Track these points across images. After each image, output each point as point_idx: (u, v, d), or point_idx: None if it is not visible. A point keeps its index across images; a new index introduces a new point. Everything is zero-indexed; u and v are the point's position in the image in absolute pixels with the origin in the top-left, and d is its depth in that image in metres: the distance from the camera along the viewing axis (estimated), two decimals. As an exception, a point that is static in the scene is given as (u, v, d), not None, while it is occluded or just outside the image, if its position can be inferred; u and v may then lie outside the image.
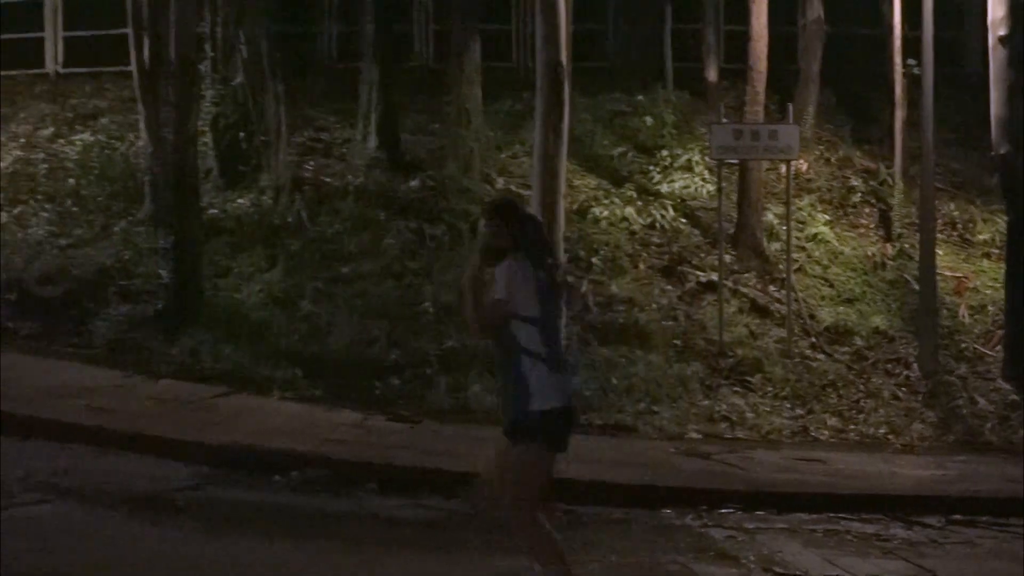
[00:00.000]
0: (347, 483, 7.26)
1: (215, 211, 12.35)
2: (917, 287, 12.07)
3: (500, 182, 13.17)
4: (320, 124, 14.51)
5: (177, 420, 8.25)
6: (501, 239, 4.86)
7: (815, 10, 15.07)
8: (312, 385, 9.42)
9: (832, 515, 7.58)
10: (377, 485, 7.30)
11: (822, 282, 12.68)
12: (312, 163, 13.57)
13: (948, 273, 12.80)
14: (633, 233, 12.80)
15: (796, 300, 11.92)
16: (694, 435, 9.65)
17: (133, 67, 13.46)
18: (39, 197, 13.48)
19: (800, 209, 13.28)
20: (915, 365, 11.35)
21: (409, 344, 10.24)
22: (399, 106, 14.04)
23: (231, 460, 7.49)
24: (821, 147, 15.14)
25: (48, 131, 15.19)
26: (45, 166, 14.17)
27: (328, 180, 13.17)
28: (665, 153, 14.20)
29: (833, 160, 15.05)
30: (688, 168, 13.98)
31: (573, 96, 10.63)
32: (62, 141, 14.81)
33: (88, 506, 6.56)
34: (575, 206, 12.77)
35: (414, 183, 13.07)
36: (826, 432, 10.16)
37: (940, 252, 12.52)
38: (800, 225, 13.05)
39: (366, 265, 11.51)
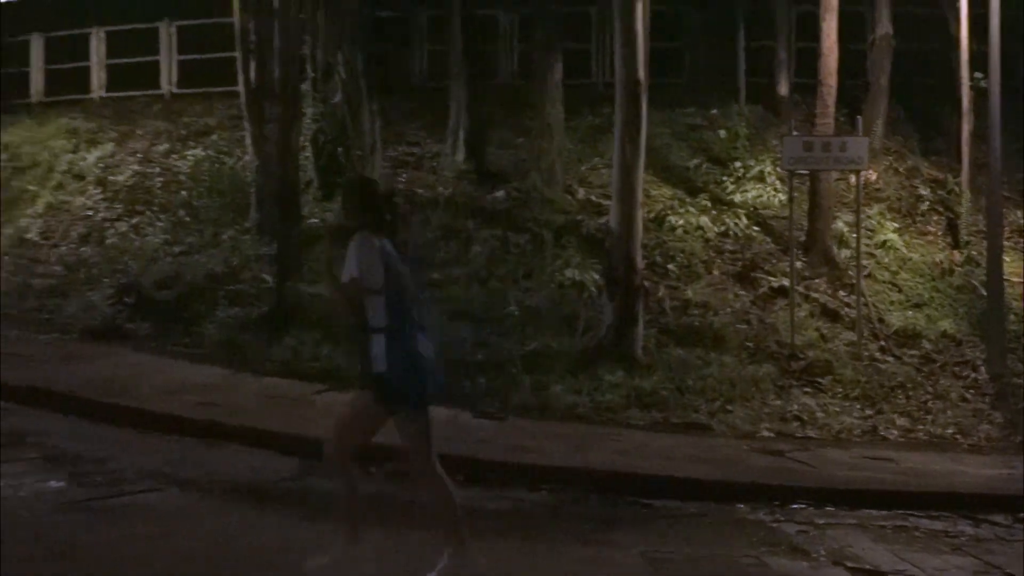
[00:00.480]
0: (438, 474, 7.27)
1: (315, 220, 12.47)
2: (984, 292, 11.80)
3: (580, 192, 13.14)
4: (412, 139, 14.60)
5: (279, 415, 8.33)
6: (350, 217, 5.14)
7: (884, 26, 14.82)
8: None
9: (901, 512, 7.39)
10: (464, 477, 7.29)
11: (891, 287, 12.43)
12: (404, 175, 13.66)
13: (1015, 279, 12.49)
14: (707, 240, 12.67)
15: (865, 304, 11.70)
16: (766, 433, 9.50)
17: (240, 88, 13.68)
18: (155, 208, 13.76)
19: (869, 217, 13.07)
20: (982, 368, 11.06)
21: (495, 345, 10.23)
22: (485, 122, 14.08)
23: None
24: (890, 158, 14.87)
25: (163, 147, 15.51)
26: (160, 179, 14.47)
27: (419, 191, 13.24)
28: (738, 164, 14.04)
29: (901, 170, 14.78)
30: (761, 179, 13.81)
31: (650, 111, 10.56)
32: (176, 156, 15.11)
33: (199, 494, 6.65)
34: (652, 215, 12.68)
35: (499, 194, 13.09)
36: (895, 432, 9.92)
37: (1007, 259, 12.20)
38: (869, 233, 12.83)
39: (455, 271, 11.54)
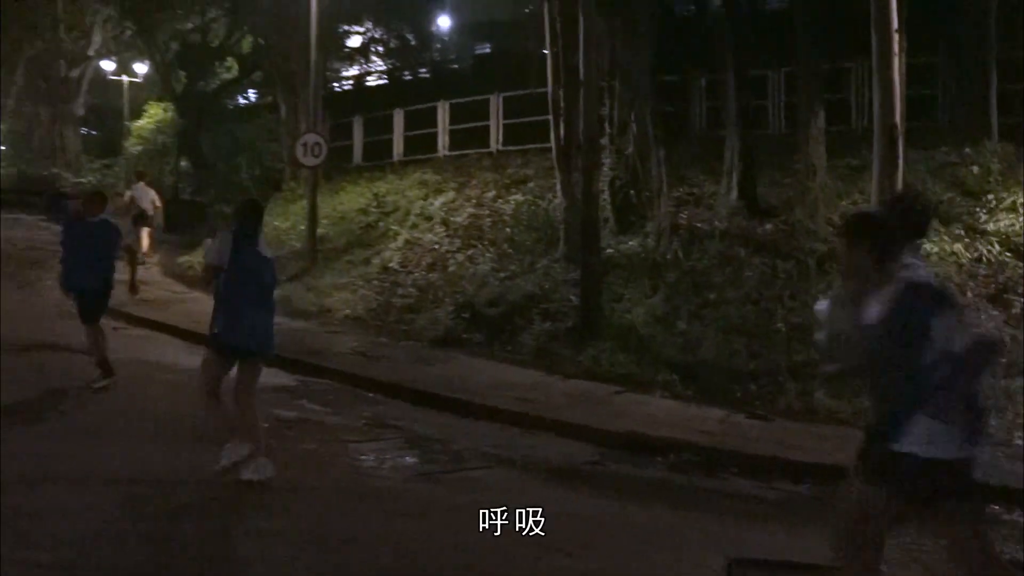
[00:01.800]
0: (713, 466, 7.16)
1: (611, 251, 12.59)
2: None
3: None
4: (692, 181, 14.45)
5: (583, 410, 8.47)
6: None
7: None
8: (686, 387, 9.37)
9: None
10: (737, 469, 7.15)
11: None
12: (685, 212, 13.53)
13: None
14: (960, 266, 11.69)
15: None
16: (1019, 442, 8.66)
17: (552, 144, 14.06)
18: (485, 242, 14.35)
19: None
20: None
21: (764, 356, 9.94)
22: (756, 165, 13.72)
23: (623, 443, 7.60)
24: None
25: (491, 193, 16.14)
26: (489, 219, 15.06)
27: (698, 225, 13.08)
28: (991, 197, 12.87)
29: None
30: (1012, 209, 12.57)
31: (906, 151, 9.92)
32: (501, 200, 15.68)
33: (520, 471, 6.90)
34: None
35: (768, 227, 12.71)
36: None
37: None
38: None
39: (729, 293, 11.31)
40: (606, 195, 13.57)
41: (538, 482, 6.65)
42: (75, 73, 40.82)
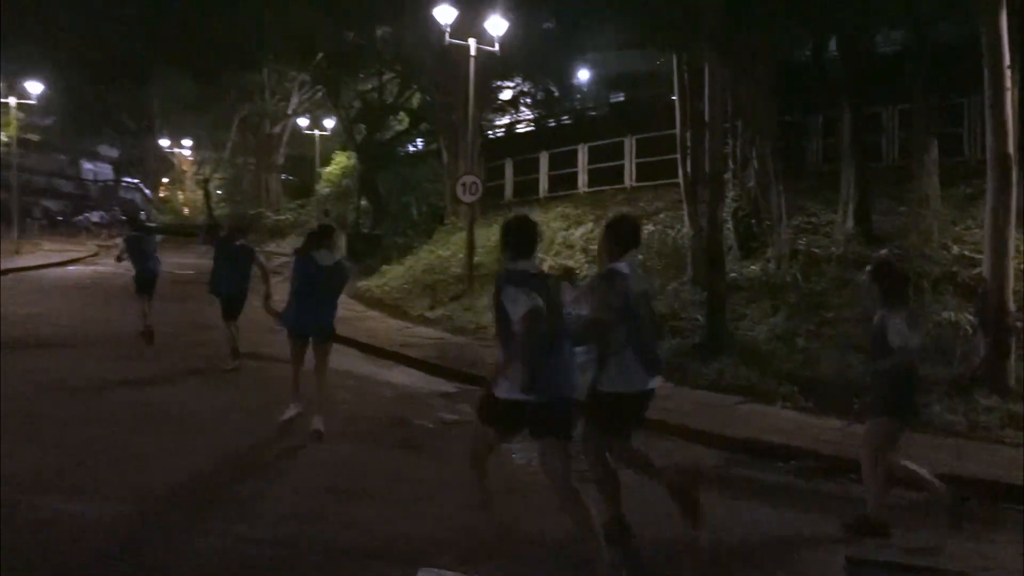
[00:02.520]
0: (833, 472, 6.80)
1: (734, 275, 12.28)
2: None
3: (955, 249, 11.73)
4: (810, 211, 13.93)
5: (709, 418, 8.25)
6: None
7: None
8: (805, 399, 8.98)
9: None
10: (856, 476, 6.76)
11: None
12: (804, 239, 13.05)
13: None
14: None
15: None
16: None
17: (680, 179, 13.88)
18: (620, 267, 14.29)
19: None
20: None
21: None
22: (871, 195, 13.11)
23: (746, 448, 7.35)
24: None
25: (625, 224, 16.07)
26: (623, 247, 14.99)
27: (816, 251, 12.58)
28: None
29: None
30: None
31: (1020, 178, 9.24)
32: (634, 230, 15.59)
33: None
34: (1023, 267, 11.06)
35: (883, 251, 12.09)
36: None
37: None
38: None
39: (846, 312, 10.81)
40: (730, 224, 13.29)
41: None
42: (277, 129, 43.34)
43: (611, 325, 4.57)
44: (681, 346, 10.84)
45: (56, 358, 10.18)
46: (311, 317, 7.14)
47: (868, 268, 5.47)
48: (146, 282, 11.50)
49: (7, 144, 27.93)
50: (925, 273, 10.96)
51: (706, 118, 12.04)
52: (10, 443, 6.28)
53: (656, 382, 4.84)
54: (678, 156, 13.98)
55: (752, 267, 12.66)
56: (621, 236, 4.82)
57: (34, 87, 27.15)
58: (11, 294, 16.64)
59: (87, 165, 67.50)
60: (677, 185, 14.42)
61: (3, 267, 22.01)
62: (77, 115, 40.77)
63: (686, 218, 13.59)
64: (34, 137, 33.95)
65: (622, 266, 4.71)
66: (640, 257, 5.12)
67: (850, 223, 12.81)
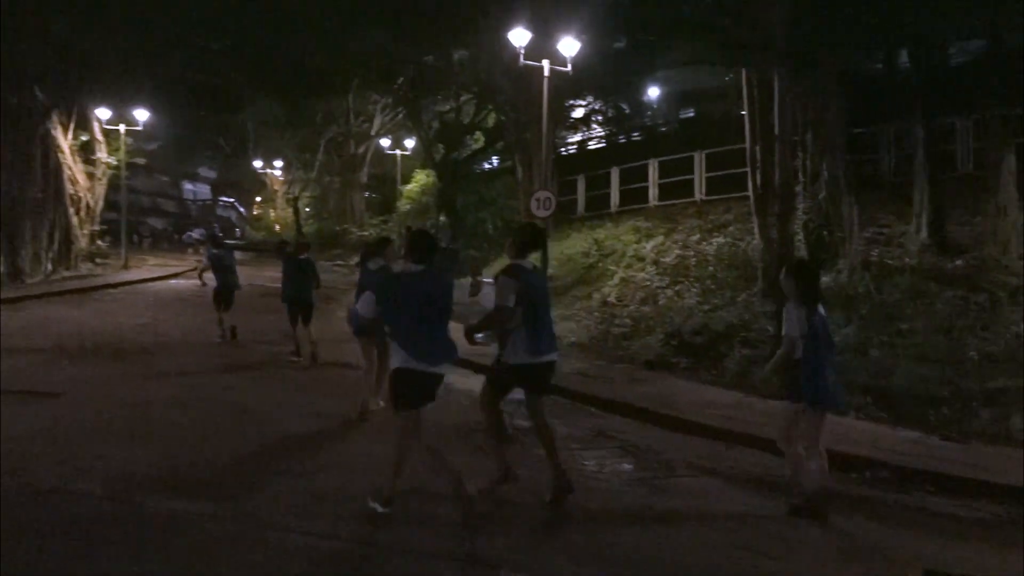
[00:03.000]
0: (908, 484, 6.59)
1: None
2: None
3: (1034, 259, 11.27)
4: (882, 223, 13.53)
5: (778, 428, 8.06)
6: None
7: None
8: (879, 410, 8.71)
9: None
10: (932, 488, 6.53)
11: None
12: (876, 250, 12.68)
13: None
14: None
15: None
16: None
17: (750, 192, 13.65)
18: (691, 279, 14.10)
19: None
20: None
21: (956, 383, 9.06)
22: (945, 205, 12.65)
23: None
24: None
25: (695, 237, 15.88)
26: (694, 259, 14.80)
27: (889, 262, 12.21)
28: None
29: None
30: None
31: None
32: (704, 243, 15.38)
33: (723, 481, 6.65)
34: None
35: (958, 262, 11.65)
36: None
37: None
38: None
39: (920, 323, 10.44)
40: (800, 236, 13.00)
41: (741, 491, 6.38)
42: (361, 150, 44.33)
43: (511, 309, 5.48)
44: (752, 356, 10.64)
45: (167, 362, 10.61)
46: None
47: (785, 266, 6.28)
48: (227, 295, 12.71)
49: (116, 167, 29.24)
50: (1002, 284, 10.52)
51: (776, 131, 11.83)
52: (126, 444, 6.57)
53: (551, 356, 5.78)
54: (748, 170, 13.75)
55: (824, 278, 12.30)
56: (522, 240, 5.85)
57: (141, 114, 28.41)
58: (122, 306, 17.43)
59: (188, 186, 70.29)
60: (747, 198, 14.19)
61: (114, 281, 23.06)
62: (179, 139, 42.47)
63: (756, 230, 13.34)
64: (140, 161, 35.45)
65: (522, 262, 5.76)
66: (532, 258, 5.86)
67: (924, 234, 12.39)
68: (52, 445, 6.53)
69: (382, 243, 8.73)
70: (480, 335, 5.86)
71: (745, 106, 13.97)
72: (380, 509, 5.13)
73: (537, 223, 6.52)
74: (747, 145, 13.78)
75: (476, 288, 9.23)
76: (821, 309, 5.68)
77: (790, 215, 11.64)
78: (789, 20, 11.33)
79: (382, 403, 7.66)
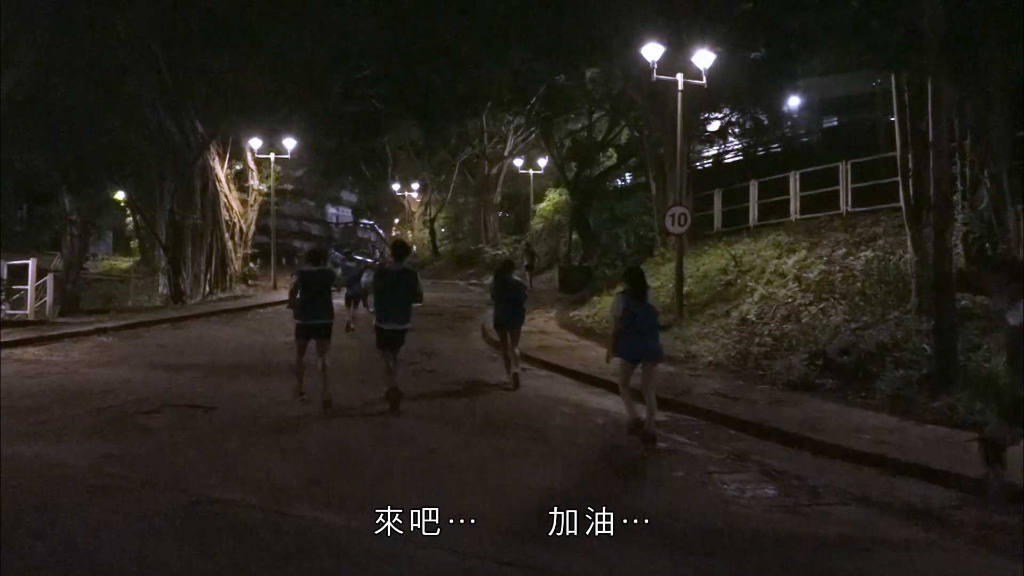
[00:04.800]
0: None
1: (965, 302, 11.20)
2: None
3: None
4: (1057, 232, 12.45)
5: (939, 454, 7.54)
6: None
7: None
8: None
9: None
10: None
11: None
12: (1048, 262, 11.68)
13: None
14: None
15: None
16: None
17: (901, 203, 12.94)
18: (836, 296, 13.47)
19: None
20: None
21: None
22: None
23: (980, 489, 6.63)
24: None
25: (841, 251, 15.18)
26: (840, 275, 14.14)
27: (1064, 274, 11.22)
28: None
29: None
30: None
31: None
32: (851, 257, 14.67)
33: (876, 511, 6.25)
34: None
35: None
36: None
37: None
38: None
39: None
40: (959, 249, 12.16)
41: (897, 521, 6.00)
42: (495, 170, 45.26)
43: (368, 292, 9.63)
44: (906, 377, 10.03)
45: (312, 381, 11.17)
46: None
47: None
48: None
49: (267, 194, 31.17)
50: None
51: (930, 138, 11.15)
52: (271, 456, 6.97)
53: (391, 325, 9.31)
54: (899, 179, 13.03)
55: (978, 297, 11.48)
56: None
57: (289, 143, 30.23)
58: (271, 324, 18.50)
59: (331, 209, 73.97)
60: (897, 210, 13.44)
61: (264, 301, 24.52)
62: (324, 166, 44.75)
63: (909, 243, 12.60)
64: (288, 187, 37.68)
65: (388, 263, 9.22)
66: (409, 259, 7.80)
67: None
68: (210, 457, 7.00)
69: (507, 265, 11.86)
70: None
71: (895, 112, 13.26)
72: None
73: (399, 237, 10.50)
74: (897, 153, 13.06)
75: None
76: None
77: (948, 226, 10.89)
78: (946, 18, 10.67)
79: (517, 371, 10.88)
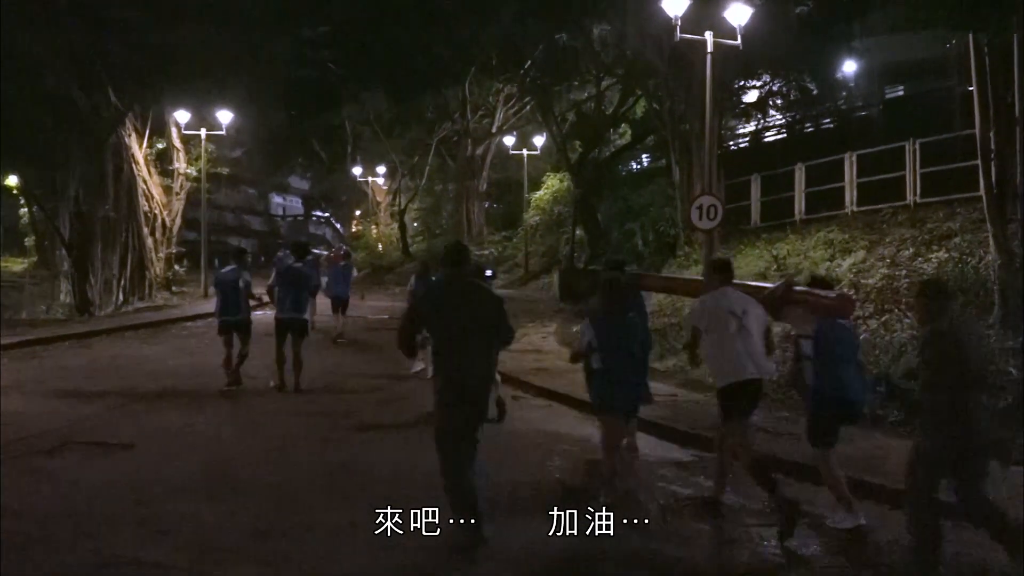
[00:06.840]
0: None
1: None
2: None
3: None
4: None
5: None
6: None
7: None
8: None
9: None
10: None
11: None
12: None
13: None
14: None
15: None
16: None
17: (982, 192, 13.02)
18: (902, 307, 13.53)
19: None
20: None
21: None
22: None
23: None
24: None
25: (908, 251, 15.26)
26: (906, 281, 14.20)
27: None
28: None
29: None
30: None
31: None
32: (920, 259, 14.76)
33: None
34: None
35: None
36: None
37: None
38: None
39: None
40: (1056, 251, 12.26)
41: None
42: (479, 151, 45.23)
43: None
44: (988, 406, 10.06)
45: (254, 408, 11.15)
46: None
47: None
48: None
49: (196, 179, 31.06)
50: None
51: (1016, 112, 11.28)
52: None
53: (290, 315, 12.43)
54: (979, 163, 13.12)
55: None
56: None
57: (224, 116, 30.06)
58: (202, 342, 18.43)
59: (276, 199, 73.96)
60: (978, 200, 13.54)
61: (193, 312, 24.46)
62: (268, 145, 44.68)
63: (991, 242, 12.69)
64: (223, 171, 37.50)
65: (291, 261, 12.99)
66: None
67: None
68: (125, 506, 6.96)
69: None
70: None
71: (974, 80, 13.37)
72: None
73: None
74: (977, 131, 13.16)
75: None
76: None
77: (1038, 222, 11.01)
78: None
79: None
